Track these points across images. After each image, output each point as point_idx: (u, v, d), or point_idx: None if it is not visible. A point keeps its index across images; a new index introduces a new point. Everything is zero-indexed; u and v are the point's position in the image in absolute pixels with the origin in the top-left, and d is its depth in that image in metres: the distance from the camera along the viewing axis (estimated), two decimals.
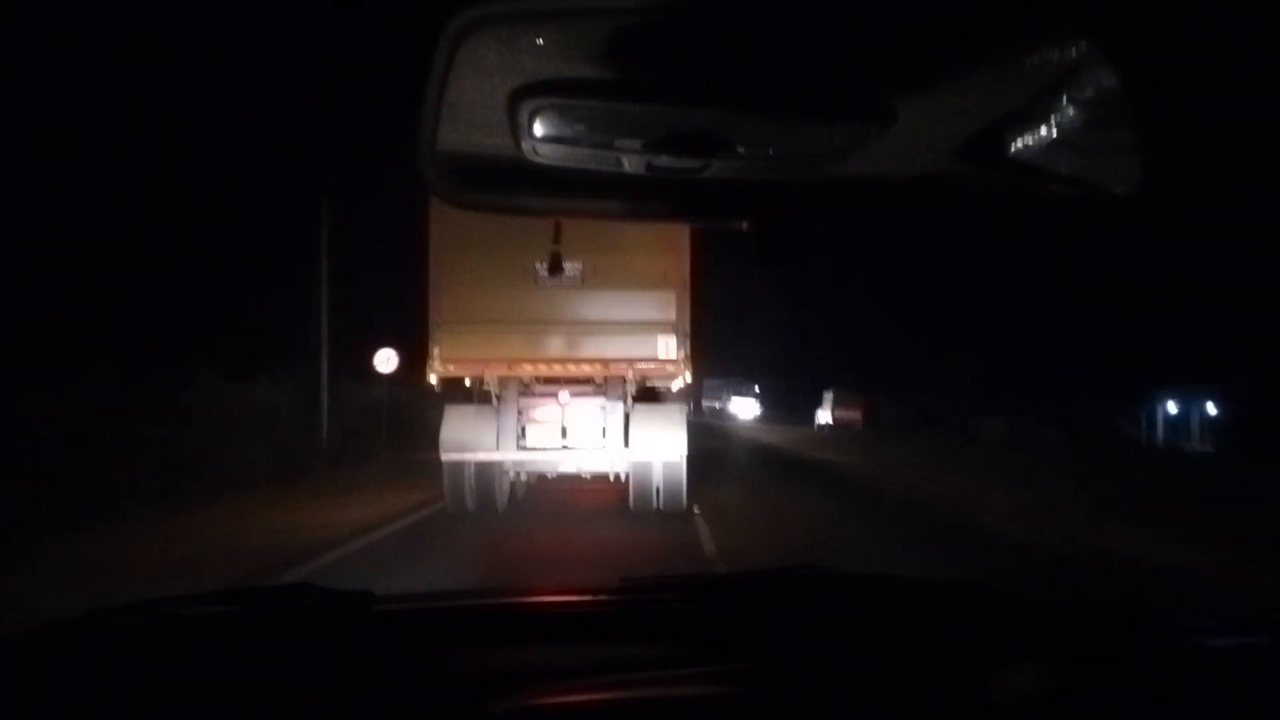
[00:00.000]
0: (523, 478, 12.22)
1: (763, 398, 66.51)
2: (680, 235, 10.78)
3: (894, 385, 51.48)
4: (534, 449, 10.97)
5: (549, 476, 12.10)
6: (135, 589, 1.58)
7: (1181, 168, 0.89)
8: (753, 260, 1.07)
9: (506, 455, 10.94)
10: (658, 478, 11.09)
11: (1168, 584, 7.82)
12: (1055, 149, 0.93)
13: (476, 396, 11.42)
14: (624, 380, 10.96)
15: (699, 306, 11.32)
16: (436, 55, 0.86)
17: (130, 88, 15.87)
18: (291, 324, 20.37)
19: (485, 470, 11.07)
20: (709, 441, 25.51)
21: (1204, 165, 0.93)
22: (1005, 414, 39.67)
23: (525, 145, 0.95)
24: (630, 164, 0.98)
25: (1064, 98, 0.89)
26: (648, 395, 11.44)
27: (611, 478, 11.65)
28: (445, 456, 10.85)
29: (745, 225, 1.08)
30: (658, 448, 10.90)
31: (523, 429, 10.92)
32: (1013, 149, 0.95)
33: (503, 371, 10.85)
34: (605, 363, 10.84)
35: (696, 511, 10.99)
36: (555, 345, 10.87)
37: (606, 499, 12.07)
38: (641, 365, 10.88)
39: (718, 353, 56.78)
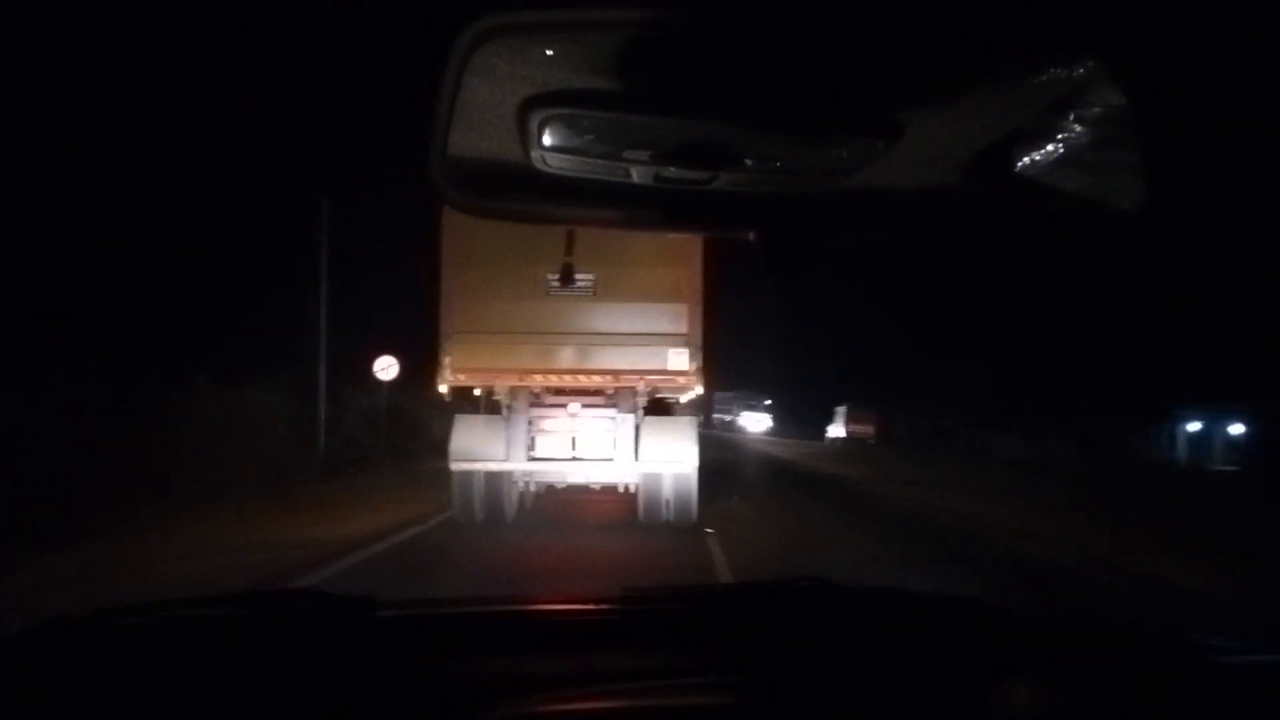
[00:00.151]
0: (532, 488, 12.21)
1: (774, 411, 66.40)
2: (693, 248, 10.78)
3: (906, 400, 51.28)
4: (543, 459, 10.95)
5: (558, 487, 12.08)
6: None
7: (1185, 184, 0.89)
8: (760, 272, 1.07)
9: (516, 466, 10.92)
10: (668, 490, 11.06)
11: (1238, 623, 7.12)
12: (1061, 165, 0.93)
13: (483, 406, 11.42)
14: (635, 392, 10.95)
15: (711, 319, 11.29)
16: (449, 63, 0.87)
17: (130, 87, 15.66)
18: (290, 328, 19.86)
19: (494, 480, 11.07)
20: (721, 454, 25.14)
21: (1208, 181, 0.93)
22: (1020, 431, 39.33)
23: (535, 154, 0.96)
24: (639, 175, 0.98)
25: (1070, 115, 0.89)
26: (658, 407, 11.41)
27: (621, 489, 11.63)
28: (454, 466, 10.85)
29: (752, 236, 1.08)
30: (668, 460, 10.87)
31: (532, 439, 10.91)
32: (1019, 165, 0.96)
33: (513, 382, 10.85)
34: (616, 374, 10.83)
35: (710, 531, 10.65)
36: (566, 356, 10.86)
37: (615, 510, 12.04)
38: (653, 377, 10.87)
39: (729, 366, 56.74)
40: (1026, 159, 0.95)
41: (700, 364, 10.92)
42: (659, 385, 11.00)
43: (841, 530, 12.59)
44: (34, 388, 11.33)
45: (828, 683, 1.27)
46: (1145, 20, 0.82)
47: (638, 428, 10.86)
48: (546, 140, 0.94)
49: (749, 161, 0.97)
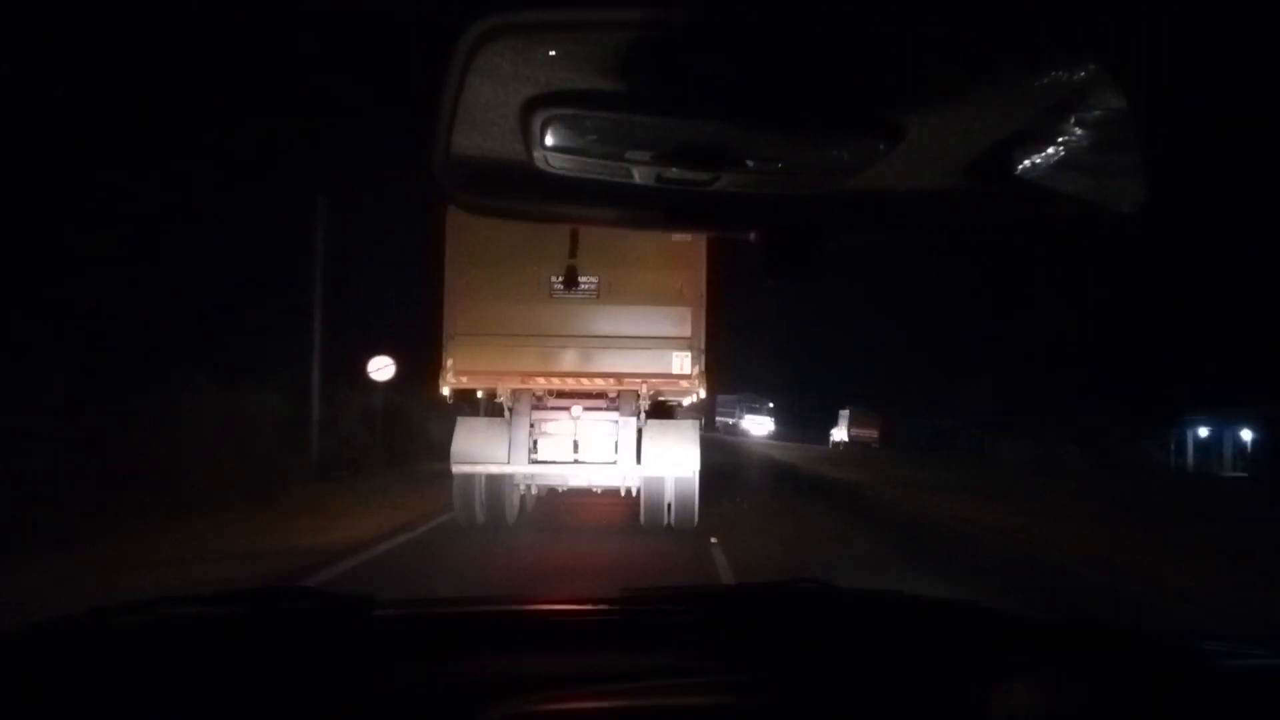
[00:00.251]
0: (533, 491, 12.20)
1: (776, 414, 66.32)
2: (697, 251, 10.79)
3: (909, 403, 51.23)
4: (545, 462, 10.95)
5: (560, 490, 12.08)
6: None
7: (1186, 186, 0.89)
8: (762, 273, 1.08)
9: (518, 468, 10.91)
10: (669, 493, 11.06)
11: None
12: (1062, 167, 0.93)
13: (484, 409, 11.41)
14: (637, 395, 10.95)
15: (714, 323, 11.30)
16: (452, 63, 0.87)
17: (129, 86, 15.52)
18: (288, 329, 19.36)
19: (496, 483, 11.06)
20: (723, 458, 24.92)
21: (1209, 183, 0.93)
22: (1025, 435, 39.15)
23: (537, 154, 0.96)
24: (641, 175, 0.99)
25: (1071, 117, 0.89)
26: (661, 411, 11.42)
27: (623, 492, 11.63)
28: (456, 469, 10.85)
29: (753, 237, 1.08)
30: (670, 463, 10.87)
31: (534, 442, 10.90)
32: (1020, 167, 0.96)
33: (516, 384, 10.86)
34: (619, 377, 10.83)
35: (714, 541, 10.29)
36: (569, 359, 10.87)
37: (617, 514, 12.03)
38: (656, 380, 10.87)
39: (732, 369, 56.69)
40: (1027, 161, 0.95)
41: (703, 367, 10.93)
42: (662, 389, 11.01)
43: (855, 539, 12.20)
44: (24, 388, 10.84)
45: (827, 683, 1.27)
46: (1145, 23, 0.82)
47: (640, 431, 10.86)
48: (549, 140, 0.94)
49: (750, 162, 0.97)
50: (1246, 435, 36.86)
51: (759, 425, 62.49)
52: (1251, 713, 1.24)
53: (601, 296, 10.75)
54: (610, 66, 0.88)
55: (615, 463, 10.87)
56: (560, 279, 10.30)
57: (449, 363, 10.79)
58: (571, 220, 1.17)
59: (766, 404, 66.13)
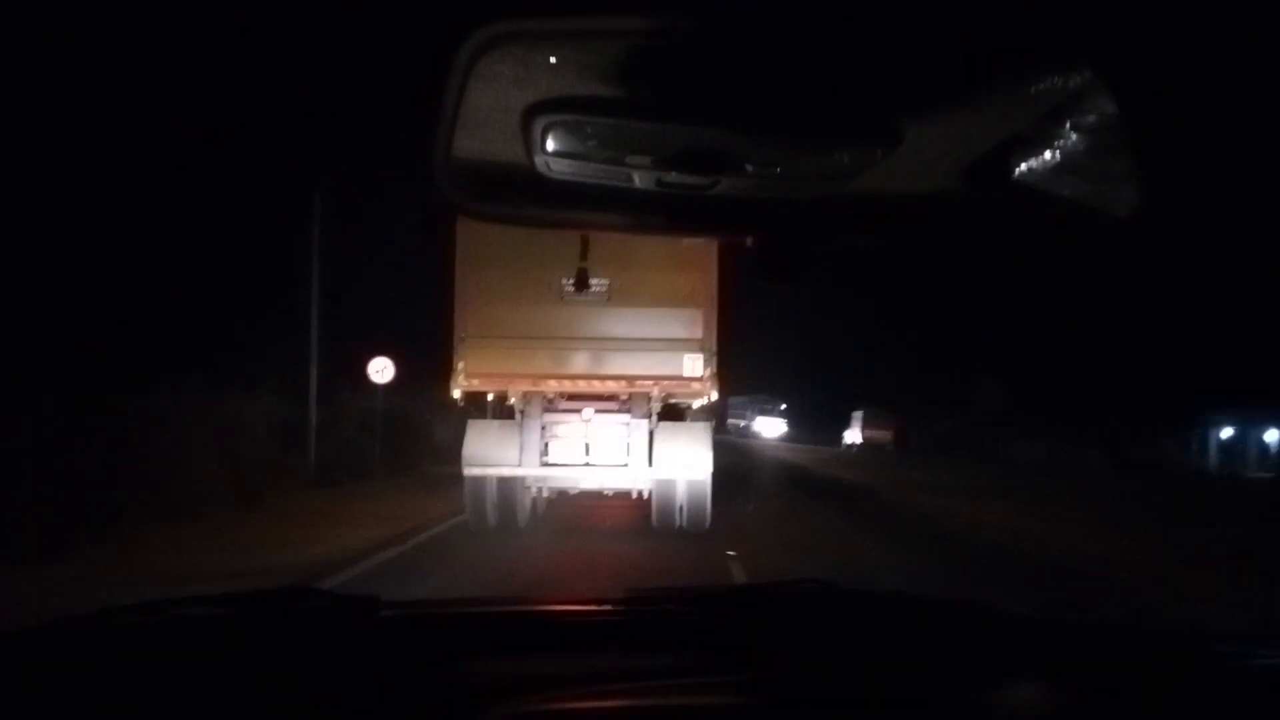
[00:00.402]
0: (544, 494, 12.21)
1: (789, 416, 66.18)
2: (708, 253, 10.78)
3: (924, 404, 50.93)
4: (557, 465, 10.96)
5: (571, 493, 12.08)
6: None
7: (1179, 189, 0.89)
8: (757, 275, 1.09)
9: (529, 471, 10.92)
10: (681, 496, 11.05)
11: None
12: (1058, 172, 0.94)
13: (491, 411, 11.42)
14: (649, 398, 10.95)
15: (726, 324, 11.28)
16: (454, 70, 0.88)
17: (128, 86, 15.47)
18: (289, 330, 18.86)
19: (507, 486, 11.05)
20: (735, 460, 24.63)
21: (1202, 186, 0.93)
22: (1042, 436, 38.70)
23: (538, 159, 0.97)
24: (641, 180, 1.00)
25: (1067, 122, 0.90)
26: (672, 413, 11.41)
27: (634, 495, 11.62)
28: (468, 471, 10.85)
29: (750, 242, 1.09)
30: (682, 466, 10.86)
31: (546, 445, 10.91)
32: (1017, 171, 0.96)
33: (527, 387, 10.87)
34: (630, 380, 10.83)
35: (732, 554, 9.63)
36: (580, 361, 10.88)
37: (628, 517, 12.02)
38: (667, 383, 10.87)
39: (744, 370, 56.61)
40: (1024, 165, 0.96)
41: (715, 369, 10.92)
42: (673, 391, 11.00)
43: (893, 557, 11.29)
44: (8, 389, 10.36)
45: (829, 683, 1.28)
46: (1139, 27, 0.83)
47: (651, 433, 10.86)
48: (550, 146, 0.95)
49: (749, 167, 0.98)
50: (1272, 436, 36.22)
51: (771, 427, 62.35)
52: (1257, 713, 1.24)
53: (613, 299, 10.75)
54: (611, 73, 0.89)
55: (627, 465, 10.87)
56: (571, 281, 10.31)
57: (460, 365, 10.81)
58: (573, 225, 1.18)
59: (779, 405, 66.01)
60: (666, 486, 11.07)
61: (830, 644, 1.45)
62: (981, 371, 46.80)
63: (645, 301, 10.79)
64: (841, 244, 1.20)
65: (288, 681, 1.32)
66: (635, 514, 11.89)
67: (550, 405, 11.06)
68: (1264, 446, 36.76)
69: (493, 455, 10.78)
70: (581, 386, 10.88)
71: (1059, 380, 40.12)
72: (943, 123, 0.92)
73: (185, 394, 13.55)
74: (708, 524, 11.07)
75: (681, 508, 11.07)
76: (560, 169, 0.99)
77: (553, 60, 0.89)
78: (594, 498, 12.16)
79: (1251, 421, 36.48)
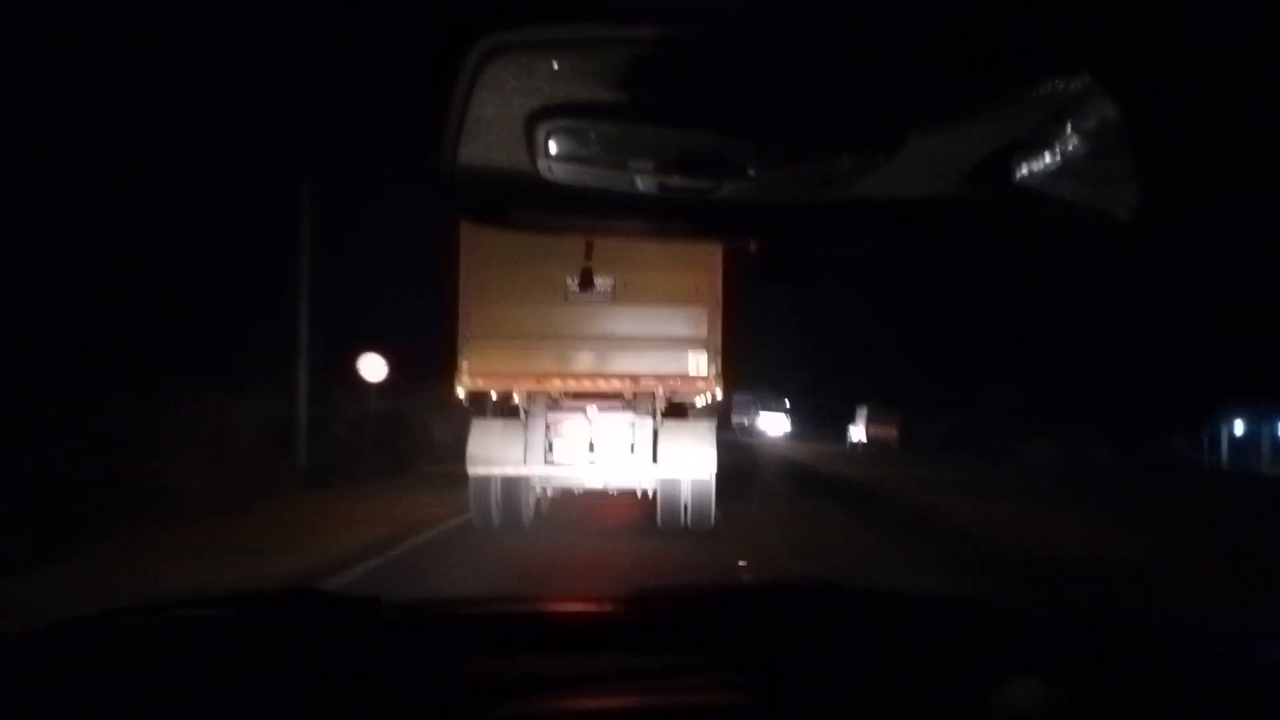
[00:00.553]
0: (548, 493, 12.22)
1: (792, 413, 66.00)
2: (712, 252, 10.76)
3: (928, 404, 50.74)
4: (561, 464, 10.97)
5: (575, 492, 12.09)
6: None
7: (1181, 191, 0.90)
8: (761, 278, 1.10)
9: (534, 470, 10.93)
10: (686, 495, 11.06)
11: None
12: (1059, 175, 0.95)
13: (491, 410, 11.42)
14: (654, 396, 10.96)
15: (730, 323, 11.28)
16: (458, 78, 0.89)
17: (129, 86, 15.22)
18: (282, 326, 18.08)
19: (511, 485, 11.07)
20: (739, 458, 24.41)
21: (1204, 188, 0.94)
22: (1049, 435, 38.30)
23: (542, 164, 0.98)
24: (644, 184, 1.01)
25: (1068, 125, 0.91)
26: (677, 411, 11.42)
27: (639, 494, 11.62)
28: (472, 471, 10.87)
29: (753, 246, 1.10)
30: (687, 465, 10.87)
31: (550, 444, 10.92)
32: (1019, 175, 0.97)
33: (532, 386, 10.88)
34: (635, 378, 10.84)
35: (743, 565, 9.24)
36: (585, 360, 10.89)
37: (632, 515, 12.02)
38: (672, 381, 10.88)
39: (748, 368, 56.50)
40: (1026, 169, 0.97)
41: (719, 368, 10.92)
42: (678, 389, 11.00)
43: (885, 550, 11.13)
44: None
45: (829, 682, 1.29)
46: (1142, 30, 0.83)
47: (656, 432, 10.87)
48: (553, 151, 0.96)
49: (752, 171, 0.99)
50: None
51: (774, 424, 62.16)
52: (1256, 713, 1.25)
53: (617, 297, 10.76)
54: (614, 78, 0.90)
55: (631, 464, 10.88)
56: (576, 280, 10.31)
57: (464, 365, 10.82)
58: (576, 230, 1.19)
59: (782, 403, 65.84)
60: (671, 485, 11.08)
61: (830, 643, 1.46)
62: (987, 369, 46.52)
63: (650, 300, 10.79)
64: (844, 248, 1.21)
65: (289, 683, 1.32)
66: (639, 513, 11.90)
67: (555, 404, 11.07)
68: (1278, 442, 36.19)
69: (497, 454, 10.79)
70: (586, 385, 10.88)
71: (1066, 378, 39.80)
72: (944, 126, 0.93)
73: (170, 394, 13.03)
74: (712, 523, 11.08)
75: (686, 506, 11.08)
76: (564, 174, 1.00)
77: (555, 67, 0.90)
78: (597, 496, 12.17)
79: (1265, 416, 35.92)
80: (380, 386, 19.06)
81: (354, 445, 19.33)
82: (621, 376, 10.82)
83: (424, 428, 22.95)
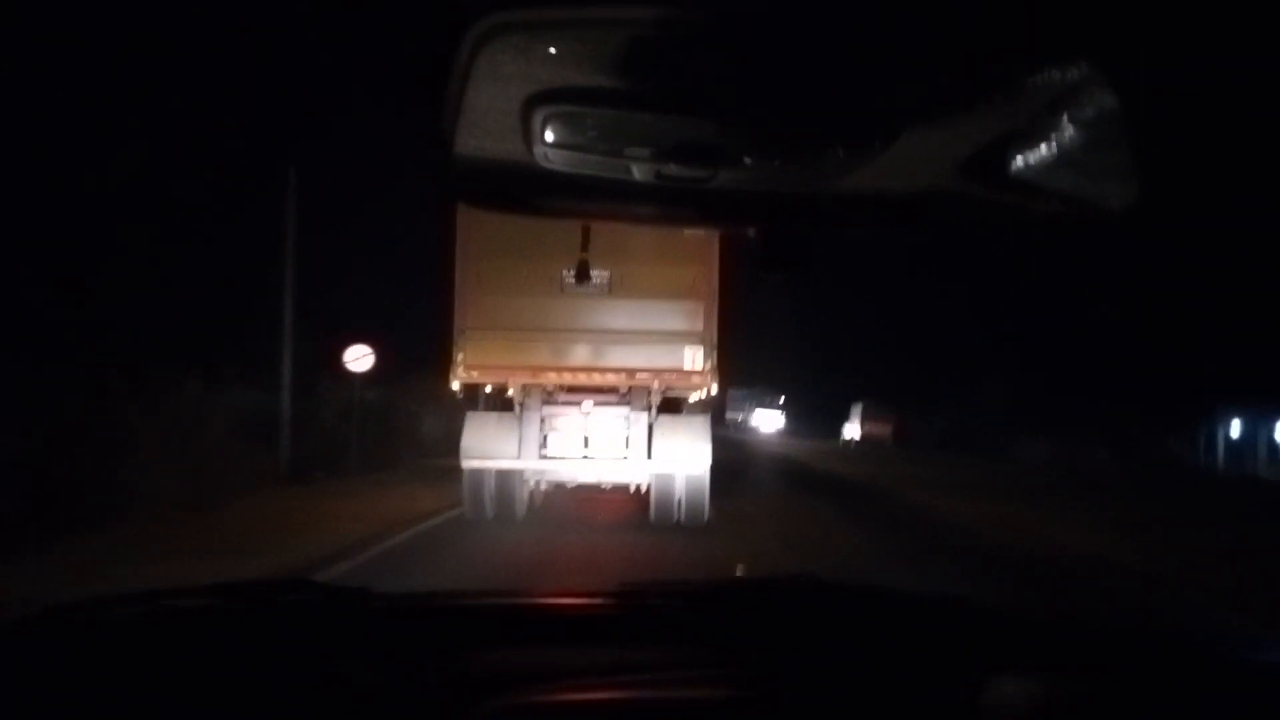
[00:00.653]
0: (541, 486, 12.22)
1: (787, 409, 66.12)
2: (709, 245, 10.77)
3: (923, 402, 50.75)
4: (555, 458, 10.97)
5: (569, 486, 12.09)
6: None
7: (1178, 183, 0.89)
8: (758, 268, 1.09)
9: (528, 464, 10.93)
10: (680, 490, 11.06)
11: None
12: (1055, 166, 0.94)
13: (486, 403, 11.42)
14: (649, 391, 10.96)
15: (727, 318, 11.29)
16: (456, 61, 0.88)
17: (129, 86, 15.03)
18: (267, 315, 17.47)
19: (505, 479, 11.06)
20: (734, 455, 24.19)
21: (1200, 181, 0.93)
22: (1044, 435, 38.25)
23: (538, 150, 0.97)
24: (640, 171, 1.00)
25: (1064, 116, 0.90)
26: (671, 406, 11.42)
27: (632, 489, 11.63)
28: (466, 464, 10.86)
29: (752, 233, 1.10)
30: (681, 460, 10.87)
31: (545, 438, 10.92)
32: (1015, 166, 0.97)
33: (527, 379, 10.88)
34: (630, 372, 10.84)
35: (740, 569, 8.89)
36: (580, 354, 10.88)
37: (626, 510, 12.02)
38: (667, 376, 10.88)
39: (743, 363, 56.53)
40: (1021, 160, 0.96)
41: (715, 362, 10.93)
42: (673, 383, 11.01)
43: (876, 548, 11.06)
44: None
45: (819, 679, 1.28)
46: (1140, 21, 0.83)
47: (651, 427, 10.88)
48: (549, 137, 0.96)
49: (748, 160, 0.98)
50: None
51: (769, 421, 62.29)
52: (1257, 712, 1.24)
53: (613, 291, 10.76)
54: (611, 64, 0.89)
55: (626, 459, 10.88)
56: (572, 273, 10.29)
57: (460, 357, 10.81)
58: (571, 215, 1.19)
59: (777, 399, 65.96)
60: (665, 480, 11.08)
61: (819, 638, 1.46)
62: (984, 368, 46.50)
63: (646, 294, 10.79)
64: (839, 237, 1.21)
65: (280, 673, 1.32)
66: (632, 508, 11.90)
67: (550, 398, 11.07)
68: (1275, 444, 36.08)
69: (491, 448, 10.79)
70: (581, 379, 10.89)
71: (1063, 377, 39.75)
72: (940, 117, 0.93)
73: (140, 383, 12.39)
74: (705, 519, 11.09)
75: (680, 502, 11.09)
76: (560, 161, 0.99)
77: (552, 51, 0.89)
78: (591, 491, 12.17)
79: (1262, 418, 35.77)
80: (369, 378, 18.76)
81: (340, 438, 18.75)
82: (617, 370, 10.83)
83: (413, 420, 22.73)
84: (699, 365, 10.84)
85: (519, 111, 0.94)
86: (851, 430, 50.03)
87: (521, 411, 10.93)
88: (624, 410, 10.97)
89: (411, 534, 10.69)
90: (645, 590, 1.69)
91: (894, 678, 1.28)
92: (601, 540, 10.48)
